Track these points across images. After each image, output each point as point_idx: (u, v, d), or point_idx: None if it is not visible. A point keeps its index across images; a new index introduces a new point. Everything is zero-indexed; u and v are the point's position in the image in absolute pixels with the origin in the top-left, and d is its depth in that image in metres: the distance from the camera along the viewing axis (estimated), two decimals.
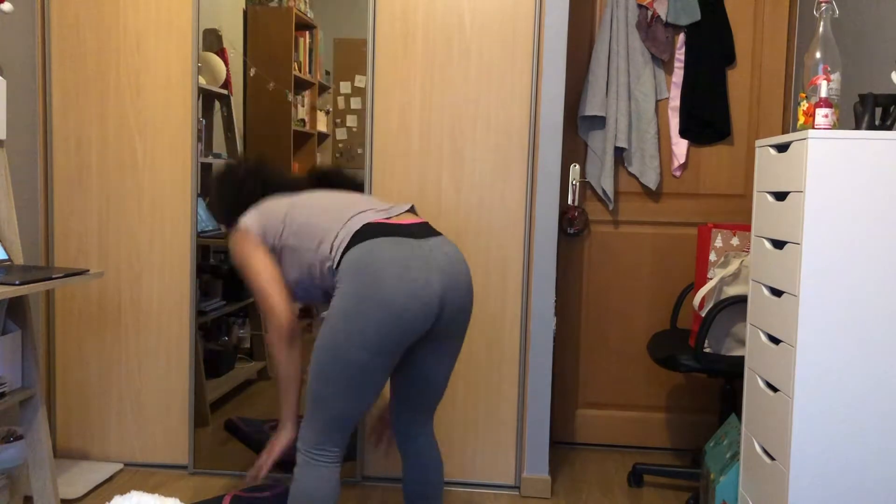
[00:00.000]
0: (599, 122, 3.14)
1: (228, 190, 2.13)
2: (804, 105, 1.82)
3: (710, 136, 3.14)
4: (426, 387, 1.98)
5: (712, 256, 2.62)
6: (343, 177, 2.25)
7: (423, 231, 1.89)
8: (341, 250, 1.81)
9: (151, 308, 2.81)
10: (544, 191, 2.69)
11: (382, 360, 1.77)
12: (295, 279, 1.93)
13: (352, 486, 2.75)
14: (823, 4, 1.83)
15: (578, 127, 3.19)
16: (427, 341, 1.91)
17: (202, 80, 2.75)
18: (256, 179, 2.12)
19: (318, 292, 1.94)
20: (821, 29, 1.83)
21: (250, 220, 1.98)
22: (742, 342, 2.52)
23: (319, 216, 1.90)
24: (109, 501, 1.68)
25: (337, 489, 1.85)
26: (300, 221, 1.91)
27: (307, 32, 2.84)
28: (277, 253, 1.95)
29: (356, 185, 2.29)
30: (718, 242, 2.62)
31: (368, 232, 1.81)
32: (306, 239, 1.89)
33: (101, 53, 2.77)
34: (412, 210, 2.03)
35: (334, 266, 1.82)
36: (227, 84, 2.81)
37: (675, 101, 3.14)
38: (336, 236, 1.84)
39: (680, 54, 3.12)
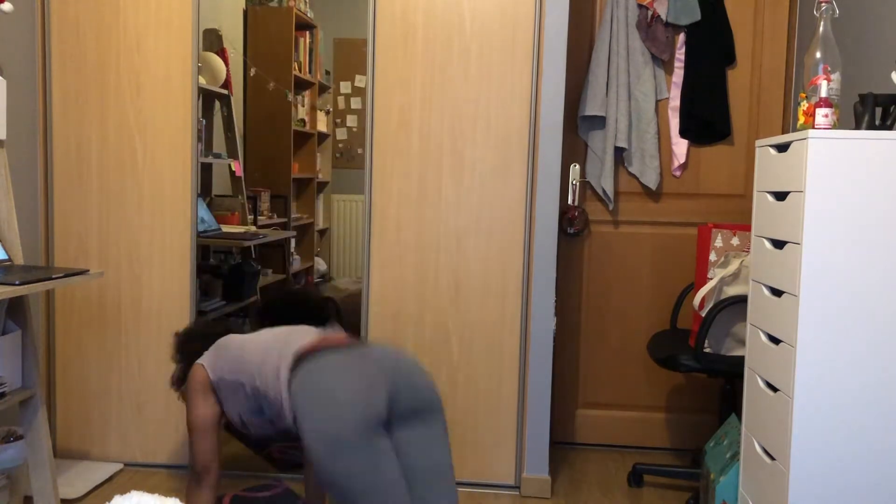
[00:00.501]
0: (599, 122, 3.14)
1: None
2: (804, 105, 1.82)
3: (710, 136, 3.14)
4: (427, 477, 1.93)
5: (712, 256, 2.62)
6: (295, 302, 2.27)
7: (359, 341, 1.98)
8: (287, 374, 1.86)
9: (151, 308, 2.81)
10: (544, 191, 2.69)
11: (370, 441, 1.77)
12: (246, 414, 1.99)
13: None
14: (823, 4, 1.83)
15: (578, 127, 3.19)
16: (401, 428, 1.90)
17: (202, 80, 2.75)
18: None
19: (269, 427, 1.97)
20: (821, 29, 1.83)
21: (205, 358, 2.06)
22: (742, 342, 2.52)
23: (265, 352, 1.97)
24: (109, 501, 1.68)
25: None
26: (247, 359, 1.99)
27: (307, 32, 2.84)
28: (228, 388, 2.01)
29: (309, 304, 2.27)
30: (718, 242, 2.62)
31: (309, 354, 1.89)
32: (253, 374, 1.95)
33: (101, 53, 2.77)
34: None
35: (284, 388, 1.86)
36: (227, 84, 2.81)
37: (675, 101, 3.14)
38: (279, 366, 1.89)
39: (680, 54, 3.12)
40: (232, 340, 2.05)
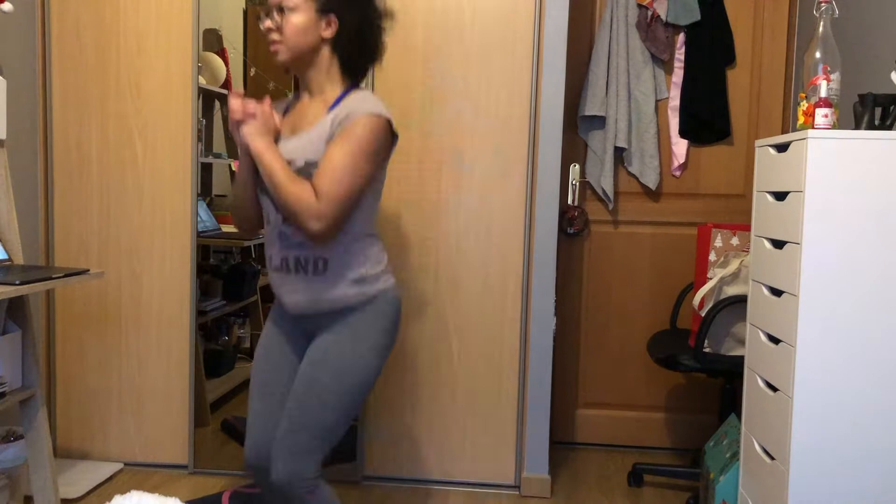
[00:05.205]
0: (599, 121, 3.14)
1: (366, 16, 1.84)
2: (804, 105, 1.82)
3: (710, 136, 3.14)
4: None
5: (712, 256, 2.62)
6: None
7: None
8: (390, 280, 1.87)
9: (151, 308, 2.81)
10: (544, 191, 2.69)
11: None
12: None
13: (352, 485, 2.75)
14: (823, 4, 1.83)
15: (578, 127, 3.19)
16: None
17: (202, 80, 2.75)
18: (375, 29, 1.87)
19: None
20: (821, 29, 1.83)
21: (388, 115, 1.78)
22: (742, 342, 2.52)
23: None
24: (109, 501, 1.68)
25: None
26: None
27: None
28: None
29: None
30: (718, 242, 2.62)
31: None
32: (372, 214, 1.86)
33: (101, 53, 2.77)
34: None
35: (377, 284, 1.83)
36: (227, 84, 2.81)
37: (675, 101, 3.14)
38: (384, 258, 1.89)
39: (680, 54, 3.12)
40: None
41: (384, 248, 1.89)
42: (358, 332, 1.79)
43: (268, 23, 1.78)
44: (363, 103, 1.74)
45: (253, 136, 1.74)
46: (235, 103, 1.75)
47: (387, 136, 1.77)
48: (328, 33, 1.78)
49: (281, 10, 1.76)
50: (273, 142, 1.76)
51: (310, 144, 1.75)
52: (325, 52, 1.80)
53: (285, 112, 1.91)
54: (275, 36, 1.77)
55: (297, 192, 1.68)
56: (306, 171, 1.74)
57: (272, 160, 1.71)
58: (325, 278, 1.78)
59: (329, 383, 1.76)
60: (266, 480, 1.89)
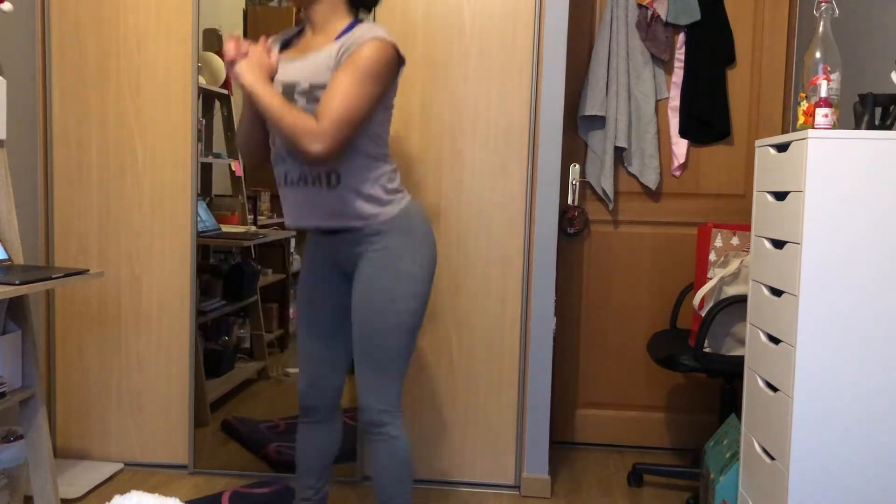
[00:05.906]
0: (599, 121, 3.14)
1: None
2: (804, 105, 1.82)
3: (709, 136, 3.14)
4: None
5: (712, 256, 2.62)
6: None
7: None
8: (406, 199, 1.91)
9: (151, 308, 2.81)
10: (544, 191, 2.69)
11: None
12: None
13: (352, 486, 2.75)
14: (823, 4, 1.83)
15: (578, 127, 3.19)
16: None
17: (202, 80, 2.75)
18: None
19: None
20: (821, 29, 1.83)
21: (393, 41, 1.80)
22: (742, 342, 2.52)
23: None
24: (109, 501, 1.68)
25: None
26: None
27: None
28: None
29: None
30: (718, 242, 2.62)
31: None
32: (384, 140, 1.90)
33: (101, 53, 2.77)
34: None
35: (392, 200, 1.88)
36: (227, 84, 2.81)
37: (675, 101, 3.14)
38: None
39: (680, 54, 3.12)
40: None
41: (397, 170, 1.94)
42: (393, 252, 1.84)
43: None
44: (369, 31, 1.77)
45: (244, 72, 1.78)
46: (230, 45, 1.80)
47: (393, 59, 1.79)
48: None
49: None
50: (266, 77, 1.80)
51: (315, 67, 1.79)
52: None
53: (288, 44, 1.95)
54: None
55: (294, 117, 1.72)
56: (311, 93, 1.78)
57: (265, 93, 1.75)
58: (339, 192, 1.82)
59: (383, 309, 1.82)
60: (315, 418, 2.04)
